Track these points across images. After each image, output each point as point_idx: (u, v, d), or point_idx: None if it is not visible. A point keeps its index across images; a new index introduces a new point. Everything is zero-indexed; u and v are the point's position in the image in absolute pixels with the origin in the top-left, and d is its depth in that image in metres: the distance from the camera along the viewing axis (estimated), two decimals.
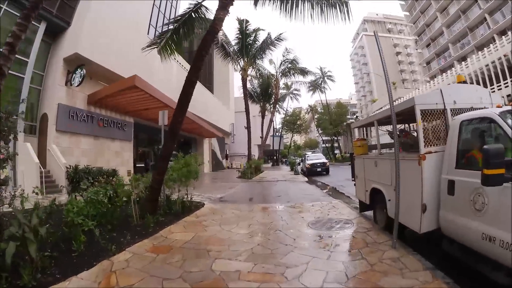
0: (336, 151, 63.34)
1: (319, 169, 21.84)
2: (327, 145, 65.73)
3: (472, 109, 4.28)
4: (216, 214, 7.13)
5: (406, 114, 5.03)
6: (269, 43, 21.43)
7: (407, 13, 48.23)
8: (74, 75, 13.07)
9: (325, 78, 55.23)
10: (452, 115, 4.19)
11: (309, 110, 67.86)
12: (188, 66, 39.90)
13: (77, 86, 13.19)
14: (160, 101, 15.53)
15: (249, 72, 24.39)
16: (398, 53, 70.22)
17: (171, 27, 9.02)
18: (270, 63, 27.32)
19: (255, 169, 22.33)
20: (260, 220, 6.33)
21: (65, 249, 4.07)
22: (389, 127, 7.98)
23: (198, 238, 5.10)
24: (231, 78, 44.78)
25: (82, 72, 13.15)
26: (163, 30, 9.94)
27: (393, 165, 4.45)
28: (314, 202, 8.33)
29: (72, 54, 12.70)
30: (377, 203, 5.61)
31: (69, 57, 12.82)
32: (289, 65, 26.20)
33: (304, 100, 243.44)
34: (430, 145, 4.04)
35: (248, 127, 22.25)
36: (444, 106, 4.24)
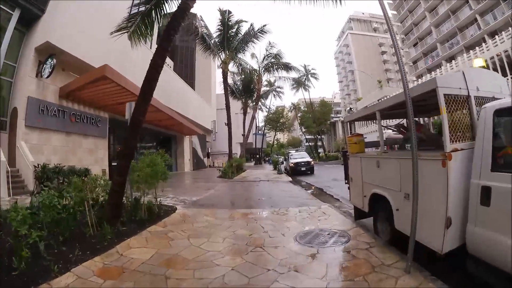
0: (320, 150, 63.08)
1: (303, 169, 21.00)
2: (310, 143, 65.41)
3: (494, 98, 3.47)
4: (187, 223, 6.07)
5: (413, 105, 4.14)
6: (252, 35, 20.37)
7: (395, 12, 48.26)
8: (44, 65, 11.84)
9: (309, 76, 54.66)
10: (475, 104, 3.34)
11: (292, 108, 67.28)
12: (168, 61, 38.77)
13: (47, 77, 11.97)
14: (134, 95, 14.28)
15: (230, 66, 23.34)
16: (383, 52, 70.66)
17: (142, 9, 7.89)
18: (253, 57, 26.13)
19: (236, 168, 21.28)
20: (238, 232, 5.28)
21: (7, 265, 3.39)
22: (389, 121, 7.16)
23: (159, 257, 4.04)
24: (214, 74, 43.62)
25: (52, 62, 11.84)
26: (132, 13, 8.78)
27: (403, 166, 3.54)
28: (300, 207, 7.37)
29: (43, 43, 11.56)
30: (378, 211, 4.69)
31: (40, 47, 11.66)
32: (273, 60, 25.24)
33: (287, 98, 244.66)
34: (455, 141, 3.13)
35: (228, 124, 21.15)
36: (468, 93, 3.38)
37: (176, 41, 47.16)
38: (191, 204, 8.34)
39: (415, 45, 44.73)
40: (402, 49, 69.24)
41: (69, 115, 13.66)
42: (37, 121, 11.85)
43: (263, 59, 25.41)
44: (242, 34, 20.50)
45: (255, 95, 28.00)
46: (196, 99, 33.66)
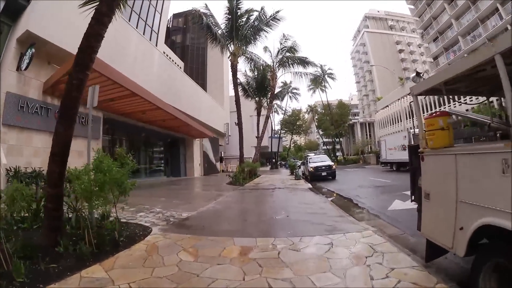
0: (338, 153, 60.02)
1: (324, 173, 18.37)
2: (328, 147, 62.43)
3: None
4: (149, 265, 3.74)
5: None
6: (263, 22, 17.99)
7: (412, 6, 45.03)
8: (24, 57, 10.31)
9: (326, 76, 52.01)
10: None
11: (309, 110, 64.57)
12: (179, 61, 37.09)
13: (25, 69, 10.41)
14: (125, 88, 12.38)
15: (241, 61, 21.14)
16: (401, 51, 67.15)
17: None
18: (265, 51, 23.74)
19: (249, 174, 18.93)
20: None
21: None
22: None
23: None
24: (226, 76, 41.64)
25: (31, 52, 10.25)
26: None
27: None
28: (332, 233, 4.87)
29: (24, 32, 10.15)
30: (491, 257, 2.25)
31: (21, 37, 10.33)
32: (288, 54, 22.77)
33: (303, 100, 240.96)
34: None
35: (239, 123, 18.81)
36: None
37: (187, 40, 45.84)
38: (175, 225, 5.99)
39: (435, 39, 41.36)
40: (418, 46, 65.96)
41: (53, 112, 11.84)
42: (16, 119, 10.39)
43: (277, 53, 22.97)
44: (252, 20, 18.12)
45: (269, 93, 25.52)
46: (207, 100, 31.77)
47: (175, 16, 45.97)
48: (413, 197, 3.79)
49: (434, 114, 3.33)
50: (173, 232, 5.42)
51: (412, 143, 21.01)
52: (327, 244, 4.28)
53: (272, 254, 3.98)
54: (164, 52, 28.37)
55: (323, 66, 49.74)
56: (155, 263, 3.84)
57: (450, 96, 4.44)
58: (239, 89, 27.49)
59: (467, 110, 25.59)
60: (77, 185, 4.13)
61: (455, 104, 31.76)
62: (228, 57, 18.90)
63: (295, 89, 53.40)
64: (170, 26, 45.36)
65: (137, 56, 17.21)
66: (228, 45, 19.03)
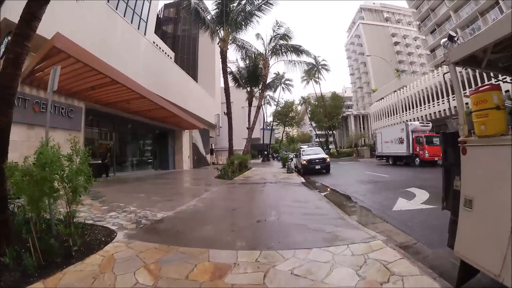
0: (331, 146, 59.44)
1: (317, 167, 17.49)
2: (321, 139, 61.69)
3: None
4: (100, 283, 2.94)
5: None
6: (255, 6, 16.84)
7: None
8: (0, 46, 9.39)
9: (320, 67, 50.93)
10: None
11: (302, 102, 63.53)
12: (169, 51, 35.69)
13: (1, 58, 9.28)
14: (105, 76, 11.47)
15: (232, 48, 19.96)
16: (396, 43, 66.34)
17: None
18: (258, 38, 22.48)
19: (239, 167, 17.97)
20: None
21: None
22: None
23: None
24: (218, 67, 40.36)
25: (6, 40, 9.17)
26: None
27: None
28: (332, 244, 3.93)
29: (1, 20, 8.97)
30: None
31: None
32: (281, 42, 21.67)
33: (296, 91, 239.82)
34: None
35: (228, 113, 17.75)
36: None
37: (178, 31, 44.37)
38: (145, 230, 5.01)
39: (432, 32, 40.65)
40: (414, 40, 65.26)
41: (31, 103, 11.07)
42: None
43: (270, 40, 21.81)
44: (243, 4, 16.93)
45: (261, 83, 24.42)
46: (197, 91, 30.77)
47: (167, 6, 44.60)
48: (445, 203, 2.85)
49: (484, 88, 2.37)
50: (140, 239, 4.45)
51: (411, 136, 20.44)
52: (328, 262, 3.34)
53: (256, 277, 3.02)
54: (154, 42, 27.22)
55: (317, 57, 48.52)
56: (105, 284, 2.91)
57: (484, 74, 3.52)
58: (230, 78, 26.40)
59: None
60: (11, 182, 3.24)
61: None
62: (218, 43, 17.70)
63: (288, 80, 52.49)
64: (161, 16, 44.11)
65: (123, 45, 16.22)
66: (218, 31, 17.86)
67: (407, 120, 30.56)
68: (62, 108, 12.60)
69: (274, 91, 51.62)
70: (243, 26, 17.44)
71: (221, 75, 28.20)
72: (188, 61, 42.14)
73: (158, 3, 31.38)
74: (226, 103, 17.69)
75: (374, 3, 73.24)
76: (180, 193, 10.02)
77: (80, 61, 10.06)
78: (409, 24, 68.25)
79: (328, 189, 10.96)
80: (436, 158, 19.26)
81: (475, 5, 31.89)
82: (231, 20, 16.63)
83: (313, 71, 51.08)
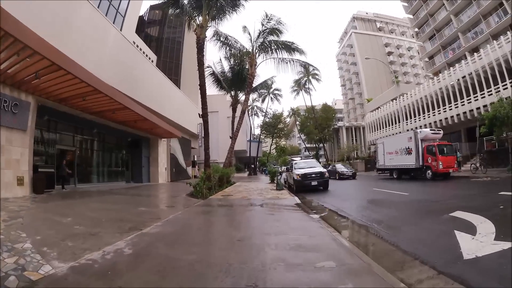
0: (321, 159, 56.77)
1: (314, 183, 14.26)
2: (310, 152, 58.94)
3: None
4: None
5: None
6: None
7: (406, 4, 42.54)
8: None
9: (310, 77, 48.73)
10: None
11: (291, 113, 60.99)
12: (145, 48, 32.64)
13: None
14: (47, 59, 8.47)
15: (216, 45, 16.95)
16: (390, 53, 65.05)
17: None
18: (244, 31, 19.56)
19: (218, 182, 14.71)
20: None
21: None
22: None
23: None
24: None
25: None
26: None
27: None
28: None
29: None
30: None
31: None
32: (271, 37, 18.83)
33: (285, 102, 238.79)
34: None
35: (203, 114, 14.53)
36: None
37: (163, 34, 41.58)
38: None
39: (431, 38, 38.97)
40: (408, 50, 64.21)
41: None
42: None
43: (258, 35, 18.91)
44: None
45: (246, 86, 21.43)
46: (178, 97, 28.01)
47: (152, 7, 42.04)
48: None
49: None
50: None
51: (421, 145, 17.56)
52: None
53: None
54: (134, 42, 24.33)
55: (308, 66, 46.23)
56: None
57: None
58: (212, 80, 23.37)
59: (484, 106, 22.68)
60: None
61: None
62: (194, 30, 14.67)
63: (277, 90, 49.99)
64: (146, 18, 41.50)
65: (87, 32, 13.46)
66: (196, 17, 14.89)
67: (416, 128, 27.91)
68: (4, 101, 9.71)
69: (262, 102, 48.99)
70: (226, 11, 14.53)
71: (208, 81, 25.28)
72: (170, 65, 39.55)
73: (141, 2, 28.83)
74: (201, 103, 14.57)
75: (367, 13, 72.39)
76: (118, 220, 6.60)
77: (17, 39, 7.29)
78: (403, 34, 67.33)
79: (336, 216, 7.80)
80: (450, 170, 16.54)
81: (477, 8, 30.13)
82: (211, 3, 13.70)
83: (303, 80, 48.86)
